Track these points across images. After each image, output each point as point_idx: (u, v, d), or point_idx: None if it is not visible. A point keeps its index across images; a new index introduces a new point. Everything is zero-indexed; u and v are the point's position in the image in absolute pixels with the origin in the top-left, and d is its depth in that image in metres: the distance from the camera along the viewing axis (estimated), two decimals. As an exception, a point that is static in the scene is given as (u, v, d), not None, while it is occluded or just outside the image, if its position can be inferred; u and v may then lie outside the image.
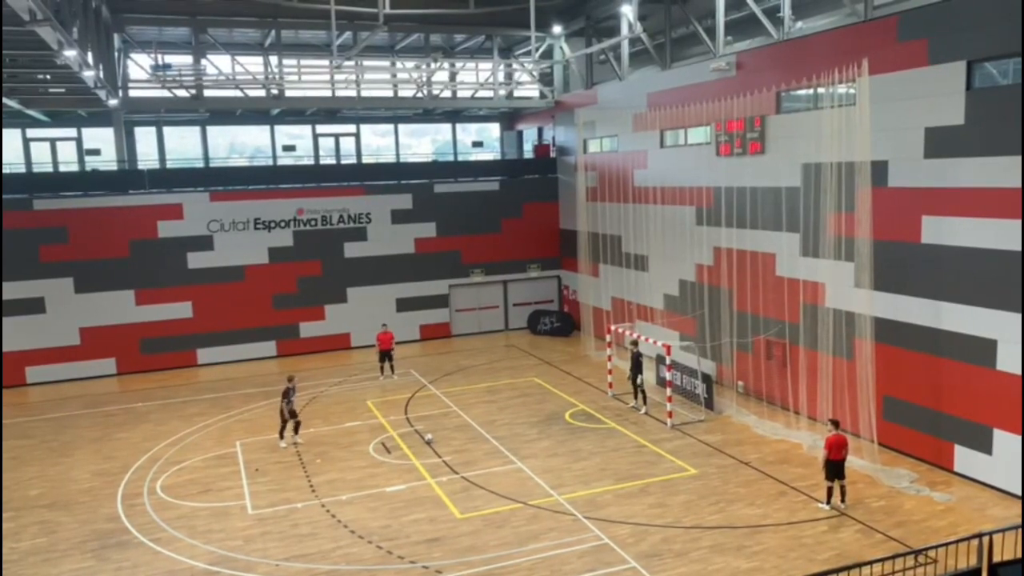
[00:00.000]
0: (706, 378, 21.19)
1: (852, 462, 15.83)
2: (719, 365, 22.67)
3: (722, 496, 15.75)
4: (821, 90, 18.55)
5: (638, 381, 21.29)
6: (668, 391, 20.39)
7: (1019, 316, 14.56)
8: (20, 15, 13.69)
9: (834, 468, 14.79)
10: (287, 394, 19.39)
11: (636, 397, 21.39)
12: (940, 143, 15.90)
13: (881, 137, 16.92)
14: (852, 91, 17.50)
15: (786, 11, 19.72)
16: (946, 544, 10.12)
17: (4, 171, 29.77)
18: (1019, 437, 14.68)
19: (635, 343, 21.54)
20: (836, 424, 15.21)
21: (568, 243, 31.55)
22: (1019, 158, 14.30)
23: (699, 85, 22.73)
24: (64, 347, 26.68)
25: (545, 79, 32.83)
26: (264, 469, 18.01)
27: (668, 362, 20.68)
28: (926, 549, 11.13)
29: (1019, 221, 14.39)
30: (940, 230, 16.08)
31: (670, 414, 20.10)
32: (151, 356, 27.58)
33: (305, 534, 14.66)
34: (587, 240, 29.03)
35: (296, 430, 19.69)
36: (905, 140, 16.58)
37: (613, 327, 23.85)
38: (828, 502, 14.91)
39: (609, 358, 23.22)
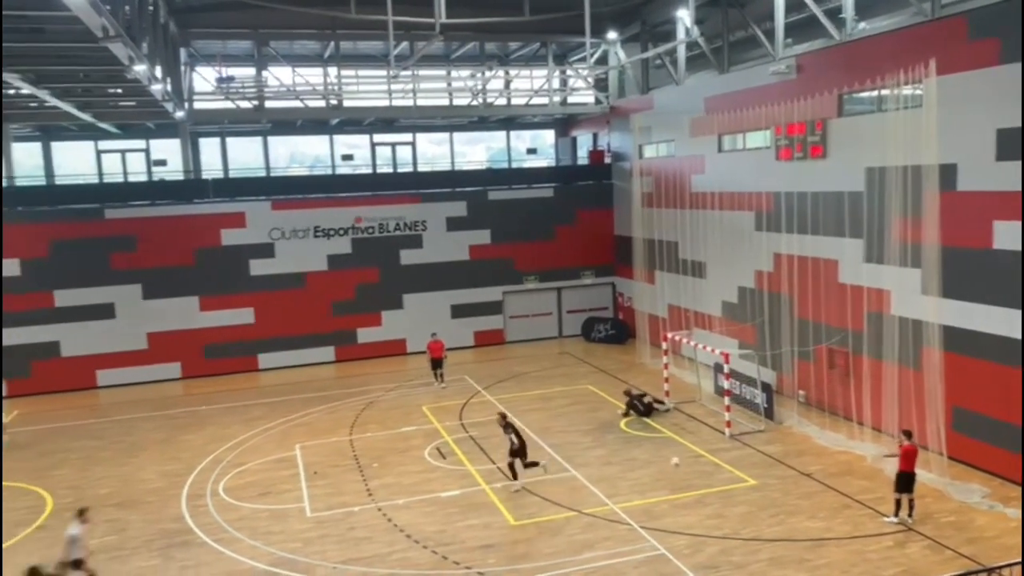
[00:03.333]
0: (766, 387, 20.75)
1: (920, 475, 15.26)
2: (779, 374, 22.18)
3: (782, 508, 15.39)
4: (886, 92, 18.04)
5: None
6: (726, 400, 20.03)
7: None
8: (94, 32, 14.24)
9: (905, 480, 14.32)
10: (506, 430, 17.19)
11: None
12: (1013, 145, 15.27)
13: (950, 139, 16.36)
14: (919, 92, 16.98)
15: (849, 12, 19.25)
16: (1021, 563, 9.68)
17: (79, 182, 31.10)
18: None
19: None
20: (909, 435, 14.72)
21: (623, 249, 31.33)
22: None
23: (758, 88, 22.35)
24: (132, 351, 27.59)
25: (600, 85, 32.72)
26: (322, 472, 18.29)
27: (726, 371, 20.32)
28: (999, 567, 10.65)
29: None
30: (1014, 235, 15.43)
31: (728, 424, 19.73)
32: (214, 361, 28.31)
33: (362, 537, 14.82)
34: (643, 246, 28.78)
35: (521, 466, 16.96)
36: (975, 142, 15.98)
37: (670, 335, 23.56)
38: (897, 515, 14.41)
39: (666, 366, 22.93)
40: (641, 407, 21.34)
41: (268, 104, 29.67)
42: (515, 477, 16.87)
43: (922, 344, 17.23)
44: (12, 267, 26.24)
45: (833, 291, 20.14)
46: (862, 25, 19.55)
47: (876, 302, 18.75)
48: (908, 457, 14.33)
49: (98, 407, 25.25)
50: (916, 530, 14.12)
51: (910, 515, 14.38)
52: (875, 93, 18.58)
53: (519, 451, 16.83)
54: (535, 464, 17.12)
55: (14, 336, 26.20)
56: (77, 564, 12.75)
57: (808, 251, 20.94)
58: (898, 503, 14.43)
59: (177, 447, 20.70)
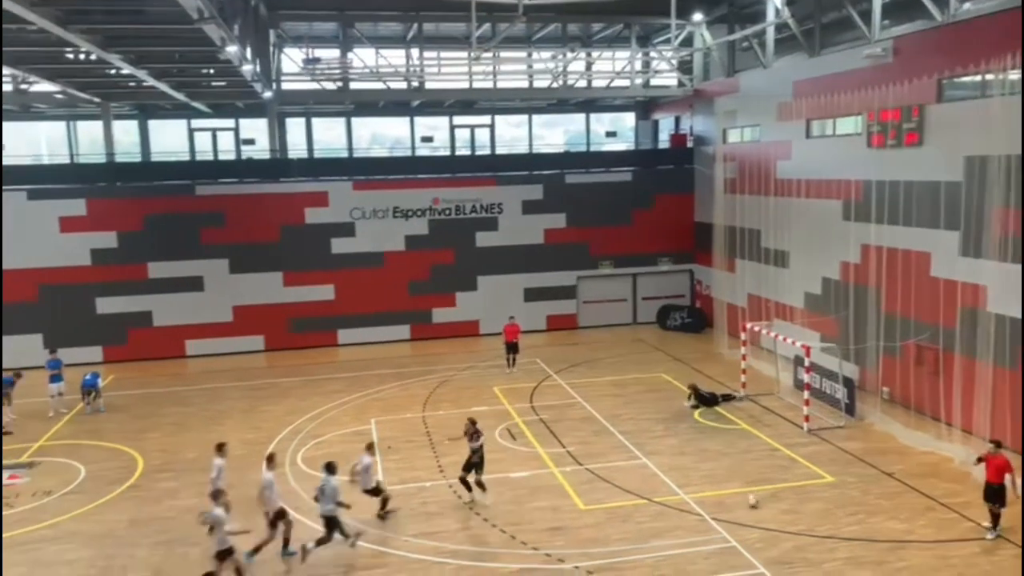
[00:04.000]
0: (848, 382, 20.09)
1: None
2: (862, 369, 21.42)
3: (861, 507, 14.90)
4: (990, 77, 17.05)
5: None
6: (805, 394, 19.48)
7: None
8: (190, 14, 14.77)
9: (992, 492, 13.52)
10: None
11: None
12: None
13: (1060, 127, 15.37)
14: (1027, 77, 16.00)
15: (953, -9, 18.27)
16: (1021, 565, 9.12)
17: (172, 159, 32.43)
18: None
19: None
20: (999, 445, 13.86)
21: (703, 236, 30.72)
22: None
23: (851, 72, 21.47)
24: (219, 323, 28.70)
25: (684, 67, 32.05)
26: (396, 447, 18.67)
27: (807, 364, 19.75)
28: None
29: None
30: None
31: (807, 418, 19.20)
32: (296, 335, 29.18)
33: (433, 512, 15.08)
34: (723, 234, 28.16)
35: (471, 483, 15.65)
36: (1089, 130, 14.98)
37: (749, 325, 23.03)
38: (995, 528, 13.54)
39: (744, 357, 22.45)
40: (706, 396, 21.04)
41: (352, 85, 30.21)
42: (470, 489, 15.52)
43: (1020, 344, 16.33)
44: (110, 240, 27.61)
45: (924, 285, 19.28)
46: (967, 5, 18.49)
47: (971, 298, 17.85)
48: (997, 469, 13.46)
49: (186, 375, 26.40)
50: (1006, 538, 13.45)
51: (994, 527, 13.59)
52: (978, 78, 17.59)
53: (476, 465, 15.46)
54: (482, 487, 15.50)
55: (112, 305, 27.66)
56: (280, 514, 13.71)
57: (899, 243, 20.09)
58: (995, 516, 13.56)
59: (259, 417, 21.46)
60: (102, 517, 15.31)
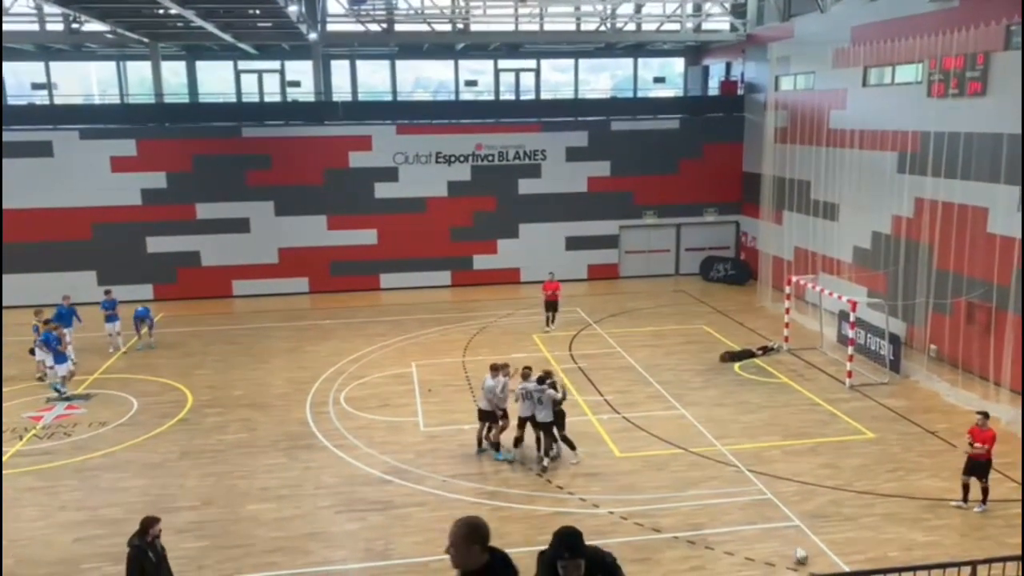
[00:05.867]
0: (894, 339, 19.73)
1: (1060, 444, 14.24)
2: (910, 326, 21.00)
3: (901, 464, 14.78)
4: (1065, 22, 16.18)
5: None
6: (849, 349, 19.21)
7: None
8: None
9: (973, 465, 12.97)
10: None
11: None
12: None
13: None
14: (1105, 23, 15.12)
15: (1029, -71, 17.22)
16: (1021, 560, 8.90)
17: (218, 100, 32.63)
18: None
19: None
20: (987, 415, 13.27)
21: (751, 187, 30.08)
22: None
23: (913, 17, 20.54)
24: (265, 264, 29.20)
25: (737, 11, 30.98)
26: (436, 391, 18.97)
27: (852, 319, 19.42)
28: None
29: None
30: None
31: (849, 374, 18.97)
32: (339, 278, 29.55)
33: (471, 455, 15.36)
34: (772, 184, 27.53)
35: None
36: None
37: (794, 279, 22.67)
38: (965, 501, 13.06)
39: (787, 311, 22.16)
40: (739, 353, 20.98)
41: (397, 27, 29.87)
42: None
43: (1078, 304, 15.83)
44: (159, 180, 28.09)
45: (980, 241, 18.70)
46: (1044, -55, 17.46)
47: (1029, 255, 17.28)
48: (984, 442, 12.84)
49: (233, 315, 27.03)
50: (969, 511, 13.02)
51: (983, 502, 13.02)
52: (1052, 23, 16.70)
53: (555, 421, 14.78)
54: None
55: (162, 244, 28.30)
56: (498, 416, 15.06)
57: (955, 197, 19.44)
58: (984, 490, 13.01)
59: (303, 357, 21.94)
60: (154, 448, 15.95)
